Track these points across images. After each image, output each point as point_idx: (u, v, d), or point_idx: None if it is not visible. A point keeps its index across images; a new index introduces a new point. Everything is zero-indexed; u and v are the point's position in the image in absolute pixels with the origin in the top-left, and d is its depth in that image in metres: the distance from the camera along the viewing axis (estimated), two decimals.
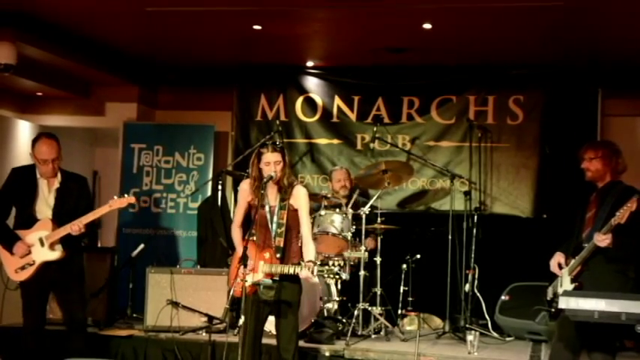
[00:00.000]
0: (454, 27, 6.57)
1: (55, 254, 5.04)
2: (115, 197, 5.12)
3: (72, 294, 5.17)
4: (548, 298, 4.86)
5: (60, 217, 5.07)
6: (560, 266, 4.72)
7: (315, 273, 4.48)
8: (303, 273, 4.50)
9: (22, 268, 5.04)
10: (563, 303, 4.07)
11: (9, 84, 7.68)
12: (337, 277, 4.56)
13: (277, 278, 4.55)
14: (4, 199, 5.20)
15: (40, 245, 5.03)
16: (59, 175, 5.18)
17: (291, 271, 4.51)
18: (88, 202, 5.35)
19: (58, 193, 5.14)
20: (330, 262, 4.58)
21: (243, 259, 4.39)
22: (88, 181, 5.48)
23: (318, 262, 4.58)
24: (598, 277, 4.52)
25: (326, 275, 4.53)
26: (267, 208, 4.67)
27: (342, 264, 4.63)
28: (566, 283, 4.64)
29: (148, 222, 7.85)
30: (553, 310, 4.72)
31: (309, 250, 4.66)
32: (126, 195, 5.16)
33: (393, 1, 5.98)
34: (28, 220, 5.10)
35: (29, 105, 8.56)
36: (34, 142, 5.15)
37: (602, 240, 4.38)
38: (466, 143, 7.64)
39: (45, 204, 5.12)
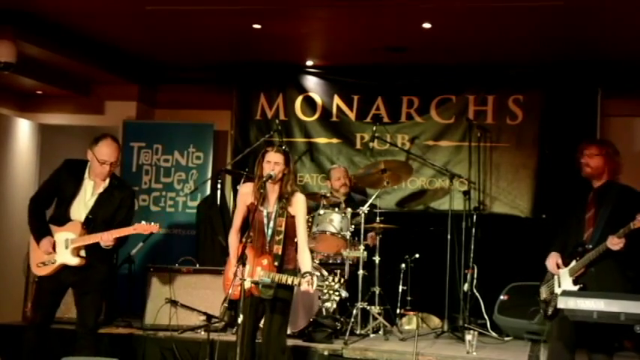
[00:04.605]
0: (453, 26, 6.57)
1: (75, 260, 4.82)
2: (143, 222, 4.91)
3: (87, 299, 4.93)
4: (542, 298, 4.84)
5: (91, 223, 4.84)
6: (557, 266, 4.72)
7: (314, 287, 4.41)
8: (303, 287, 4.43)
9: (44, 263, 4.87)
10: (562, 303, 4.06)
11: (9, 82, 7.68)
12: (337, 294, 4.43)
13: None
14: (48, 188, 5.00)
15: (64, 247, 4.81)
16: (108, 179, 4.93)
17: (289, 281, 4.48)
18: (128, 214, 5.00)
19: (99, 198, 4.89)
20: (330, 278, 4.48)
21: (242, 259, 4.38)
22: (135, 193, 5.15)
23: (316, 265, 4.53)
24: (603, 279, 4.48)
25: (325, 290, 4.43)
26: (264, 213, 4.64)
27: (342, 280, 4.53)
28: (566, 284, 4.61)
29: (146, 220, 7.81)
30: (551, 310, 4.71)
31: (305, 260, 4.62)
32: (152, 223, 4.93)
33: (393, 1, 5.98)
34: (62, 217, 4.88)
35: (29, 103, 8.55)
36: (98, 140, 4.89)
37: (617, 243, 4.33)
38: (465, 143, 7.63)
39: (83, 205, 4.87)
